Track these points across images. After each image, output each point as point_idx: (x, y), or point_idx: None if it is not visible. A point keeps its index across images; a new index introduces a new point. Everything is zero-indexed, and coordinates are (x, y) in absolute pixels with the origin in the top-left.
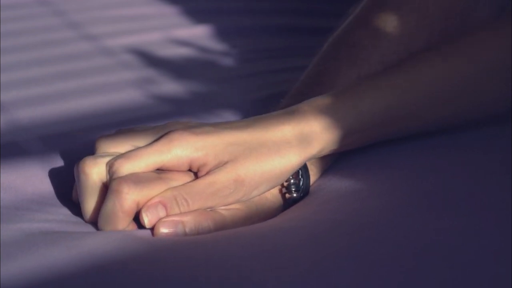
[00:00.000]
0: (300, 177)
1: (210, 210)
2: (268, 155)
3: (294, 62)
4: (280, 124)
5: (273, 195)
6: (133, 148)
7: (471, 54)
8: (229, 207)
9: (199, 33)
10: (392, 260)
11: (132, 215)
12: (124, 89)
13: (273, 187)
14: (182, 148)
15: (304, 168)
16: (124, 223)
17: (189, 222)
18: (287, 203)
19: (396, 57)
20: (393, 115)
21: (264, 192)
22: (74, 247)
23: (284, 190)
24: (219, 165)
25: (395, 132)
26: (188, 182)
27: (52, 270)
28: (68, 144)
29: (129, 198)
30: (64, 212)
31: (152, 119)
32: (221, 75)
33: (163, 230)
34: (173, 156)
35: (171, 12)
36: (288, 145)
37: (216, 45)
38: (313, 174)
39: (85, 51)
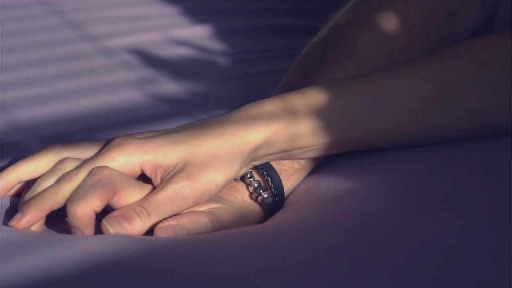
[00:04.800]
0: (266, 177)
1: (203, 211)
2: (216, 148)
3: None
4: (225, 116)
5: (244, 201)
6: (81, 158)
7: (448, 65)
8: (217, 207)
9: (199, 33)
10: (389, 260)
11: (107, 200)
12: (124, 89)
13: (230, 177)
14: (131, 153)
15: (268, 168)
16: (99, 202)
17: (185, 223)
18: (265, 207)
19: (374, 61)
20: (364, 121)
21: (223, 184)
22: (71, 247)
23: (254, 195)
24: (170, 169)
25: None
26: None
27: (49, 270)
28: None
29: (110, 182)
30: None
31: (152, 119)
32: (221, 75)
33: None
34: (125, 161)
35: (171, 12)
36: (233, 136)
37: (216, 45)
38: (291, 173)
39: (85, 51)
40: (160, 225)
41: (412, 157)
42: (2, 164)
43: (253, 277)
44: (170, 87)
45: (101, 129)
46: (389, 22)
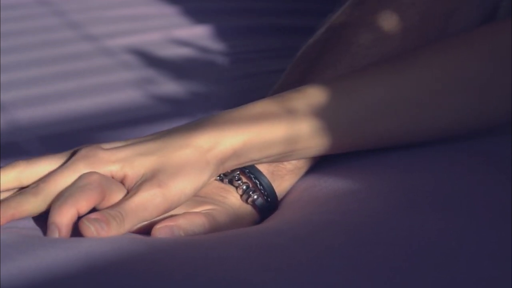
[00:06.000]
0: (254, 180)
1: (199, 211)
2: (184, 158)
3: None
4: (198, 123)
5: (238, 203)
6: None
7: (447, 60)
8: (212, 208)
9: (199, 33)
10: (389, 261)
11: (93, 204)
12: (124, 89)
13: (198, 186)
14: (97, 165)
15: (254, 170)
16: (85, 204)
17: (183, 223)
18: (257, 208)
19: (369, 61)
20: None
21: (191, 194)
22: (71, 248)
23: (244, 197)
24: (137, 179)
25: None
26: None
27: (49, 270)
28: (68, 144)
29: (98, 186)
30: None
31: (152, 119)
32: (221, 75)
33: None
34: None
35: (171, 12)
36: (200, 148)
37: (216, 45)
38: (285, 174)
39: (85, 51)
40: (157, 226)
41: (412, 157)
42: (2, 164)
43: (252, 277)
44: (170, 87)
45: (101, 129)
46: (385, 23)
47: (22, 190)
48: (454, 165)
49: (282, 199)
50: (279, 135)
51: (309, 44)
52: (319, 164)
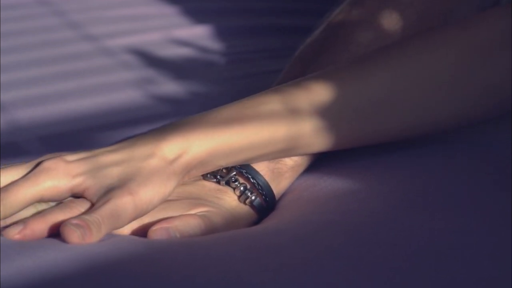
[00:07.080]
0: (252, 180)
1: (195, 213)
2: (150, 168)
3: None
4: (165, 129)
5: (235, 204)
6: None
7: (449, 52)
8: (208, 210)
9: (199, 33)
10: (389, 261)
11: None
12: (124, 89)
13: (165, 195)
14: (59, 177)
15: (252, 171)
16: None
17: (179, 225)
18: (256, 209)
19: None
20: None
21: (158, 203)
22: (70, 248)
23: (243, 198)
24: (102, 190)
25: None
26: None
27: (48, 271)
28: (68, 144)
29: (76, 212)
30: None
31: (152, 120)
32: (221, 76)
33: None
34: (51, 186)
35: (171, 12)
36: (165, 158)
37: (216, 45)
38: (285, 171)
39: (85, 51)
40: (153, 228)
41: (412, 157)
42: (2, 164)
43: (252, 277)
44: (170, 87)
45: (101, 129)
46: (383, 22)
47: None
48: (454, 165)
49: (280, 197)
50: (278, 135)
51: (307, 43)
52: (319, 164)
